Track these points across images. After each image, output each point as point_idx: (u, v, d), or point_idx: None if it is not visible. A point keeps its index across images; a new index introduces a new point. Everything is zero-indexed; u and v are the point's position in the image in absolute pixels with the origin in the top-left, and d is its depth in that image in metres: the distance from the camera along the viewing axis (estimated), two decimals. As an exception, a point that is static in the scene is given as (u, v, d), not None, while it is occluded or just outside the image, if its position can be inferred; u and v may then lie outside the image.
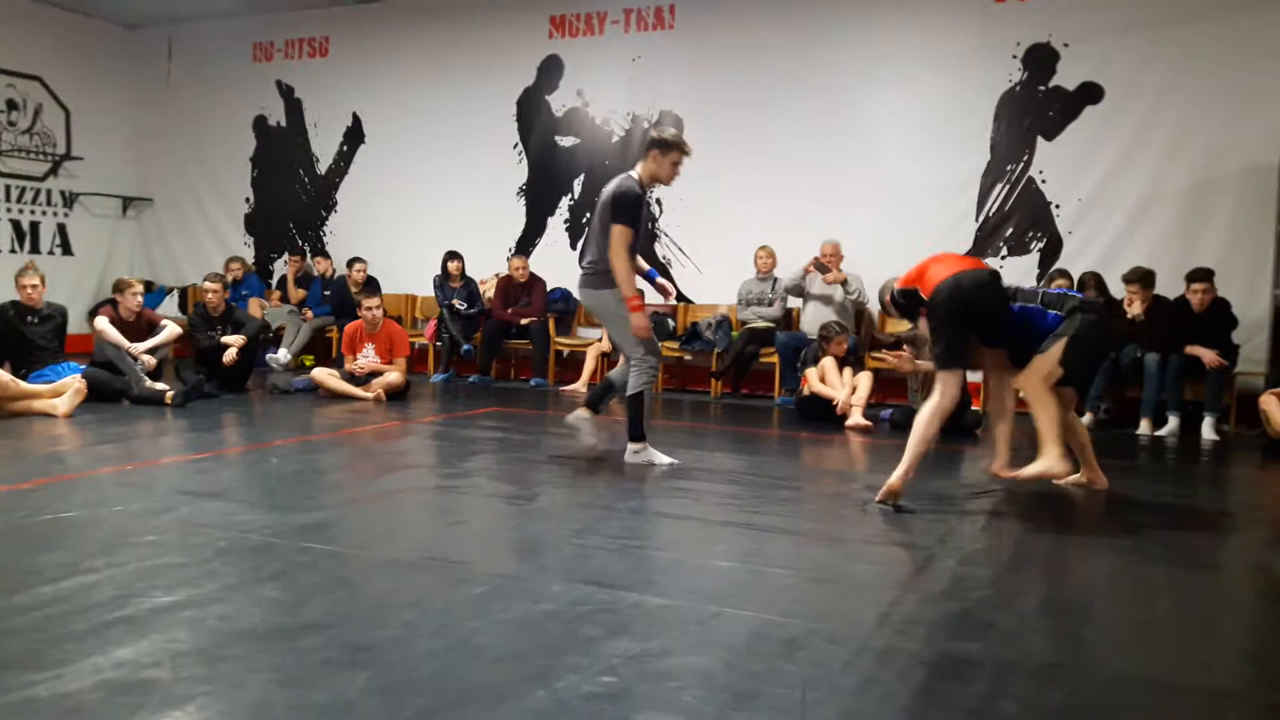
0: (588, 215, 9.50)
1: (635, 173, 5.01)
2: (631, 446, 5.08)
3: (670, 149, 4.94)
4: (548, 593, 2.79)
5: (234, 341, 7.49)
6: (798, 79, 8.62)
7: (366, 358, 7.55)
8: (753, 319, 8.29)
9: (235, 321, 7.71)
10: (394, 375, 7.41)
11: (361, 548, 3.37)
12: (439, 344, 9.08)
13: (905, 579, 3.08)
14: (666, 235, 9.13)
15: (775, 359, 8.06)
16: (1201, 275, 6.72)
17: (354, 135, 10.54)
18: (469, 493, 4.38)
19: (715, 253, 8.92)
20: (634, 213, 4.87)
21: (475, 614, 2.63)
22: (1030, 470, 4.25)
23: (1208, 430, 6.53)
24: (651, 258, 9.07)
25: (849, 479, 5.13)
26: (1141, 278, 6.81)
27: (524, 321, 8.83)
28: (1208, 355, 6.53)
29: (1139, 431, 6.67)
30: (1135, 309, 6.78)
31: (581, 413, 5.29)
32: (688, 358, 8.60)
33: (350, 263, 9.55)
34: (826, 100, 8.54)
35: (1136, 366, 6.74)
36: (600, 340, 8.60)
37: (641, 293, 4.99)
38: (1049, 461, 4.19)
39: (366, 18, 10.38)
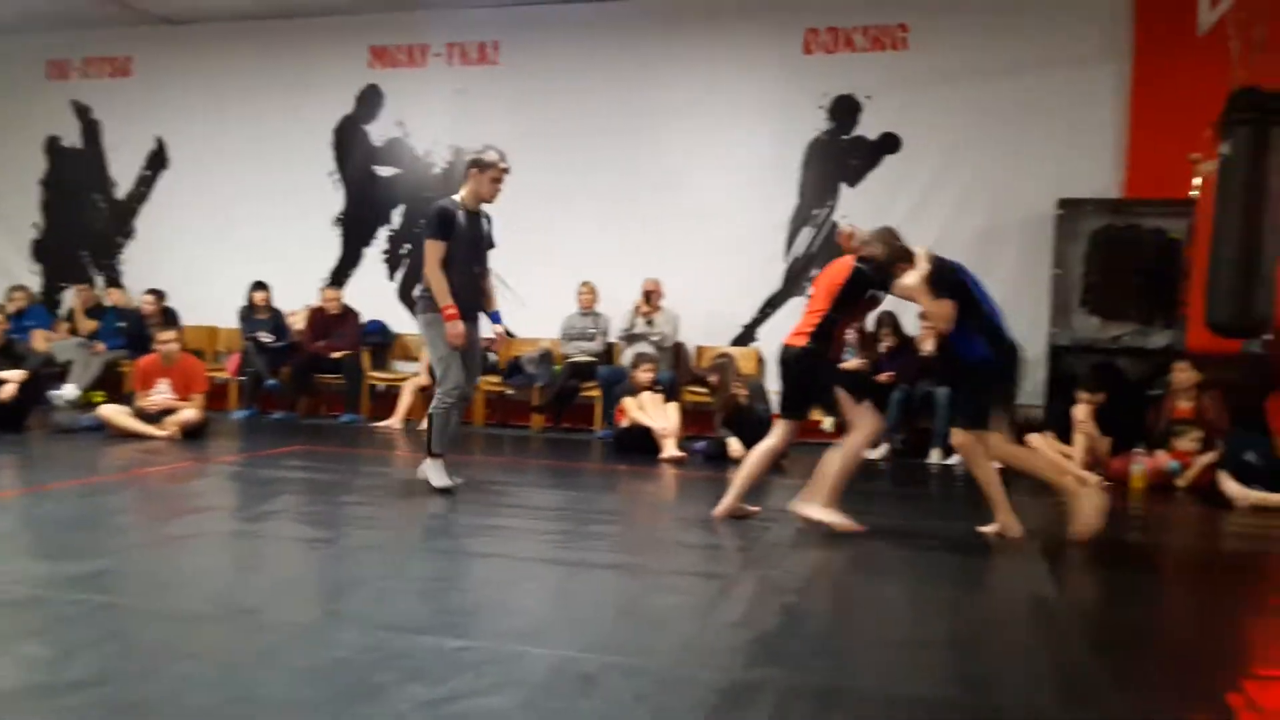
0: (409, 246, 9.37)
1: (458, 195, 5.13)
2: (426, 461, 5.16)
3: (487, 167, 5.07)
4: (341, 640, 2.69)
5: (11, 377, 6.93)
6: (619, 120, 8.80)
7: (161, 393, 7.11)
8: (575, 353, 8.35)
9: (15, 355, 7.17)
10: (190, 412, 7.01)
11: (142, 598, 3.16)
12: (243, 379, 8.67)
13: (704, 609, 3.15)
14: (489, 268, 9.08)
15: (597, 393, 8.12)
16: None
17: (157, 160, 10.00)
18: (266, 537, 4.19)
19: (539, 287, 8.93)
20: (443, 228, 4.98)
21: (261, 665, 2.51)
22: (989, 529, 4.47)
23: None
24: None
25: (662, 511, 5.22)
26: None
27: (336, 355, 8.56)
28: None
29: (930, 460, 7.10)
30: (928, 346, 7.23)
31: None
32: (510, 392, 8.55)
33: (146, 294, 9.02)
34: (646, 141, 8.75)
35: (928, 400, 7.17)
36: (418, 375, 8.44)
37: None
38: (1003, 528, 4.43)
39: (172, 38, 9.91)
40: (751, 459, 4.65)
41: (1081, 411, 6.59)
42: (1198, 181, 6.92)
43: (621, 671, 2.52)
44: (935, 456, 7.12)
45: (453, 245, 5.02)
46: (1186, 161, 6.70)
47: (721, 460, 6.69)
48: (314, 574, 3.65)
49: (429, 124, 9.33)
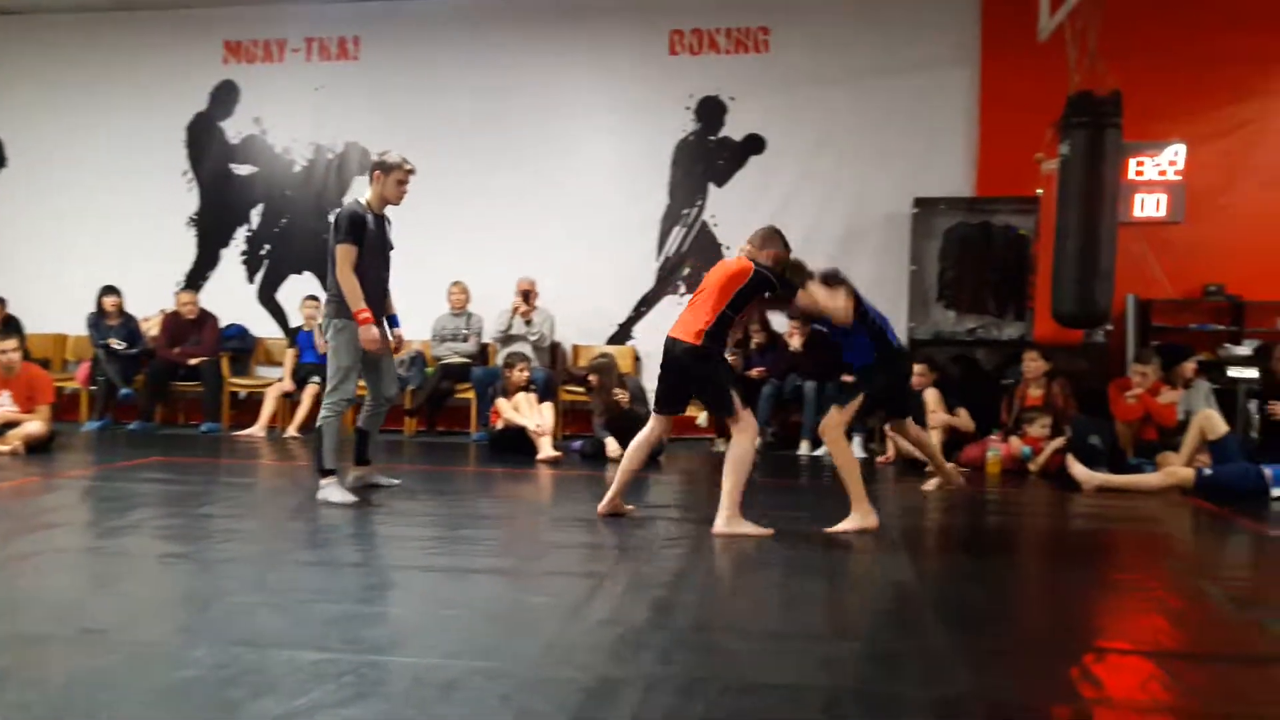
0: (268, 247, 9.07)
1: (363, 198, 5.13)
2: (321, 482, 5.03)
3: (392, 169, 5.12)
4: (191, 658, 2.59)
5: None
6: (484, 119, 8.73)
7: (3, 405, 6.70)
8: (448, 354, 8.24)
9: None
10: (35, 425, 6.61)
11: (-26, 623, 2.97)
12: (94, 388, 8.24)
13: (572, 609, 3.15)
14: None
15: (471, 394, 8.03)
16: None
17: (-8, 158, 9.41)
18: (119, 553, 3.99)
19: (408, 287, 8.72)
20: (353, 231, 4.97)
21: (106, 687, 2.39)
22: (844, 526, 4.49)
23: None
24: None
25: (538, 512, 5.20)
26: (796, 315, 7.47)
27: (193, 362, 8.22)
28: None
29: (800, 452, 7.29)
30: (795, 342, 7.42)
31: (357, 472, 5.32)
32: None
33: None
34: (513, 140, 8.70)
35: (797, 394, 7.36)
36: (281, 380, 8.19)
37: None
38: (859, 518, 4.49)
39: (6, 28, 9.32)
40: (629, 454, 4.68)
41: (931, 398, 6.86)
42: (1042, 180, 7.31)
43: (485, 675, 2.50)
44: (804, 448, 7.31)
45: (363, 250, 4.99)
46: (1033, 161, 7.06)
47: (599, 459, 6.72)
48: (168, 591, 3.49)
49: (288, 121, 9.06)
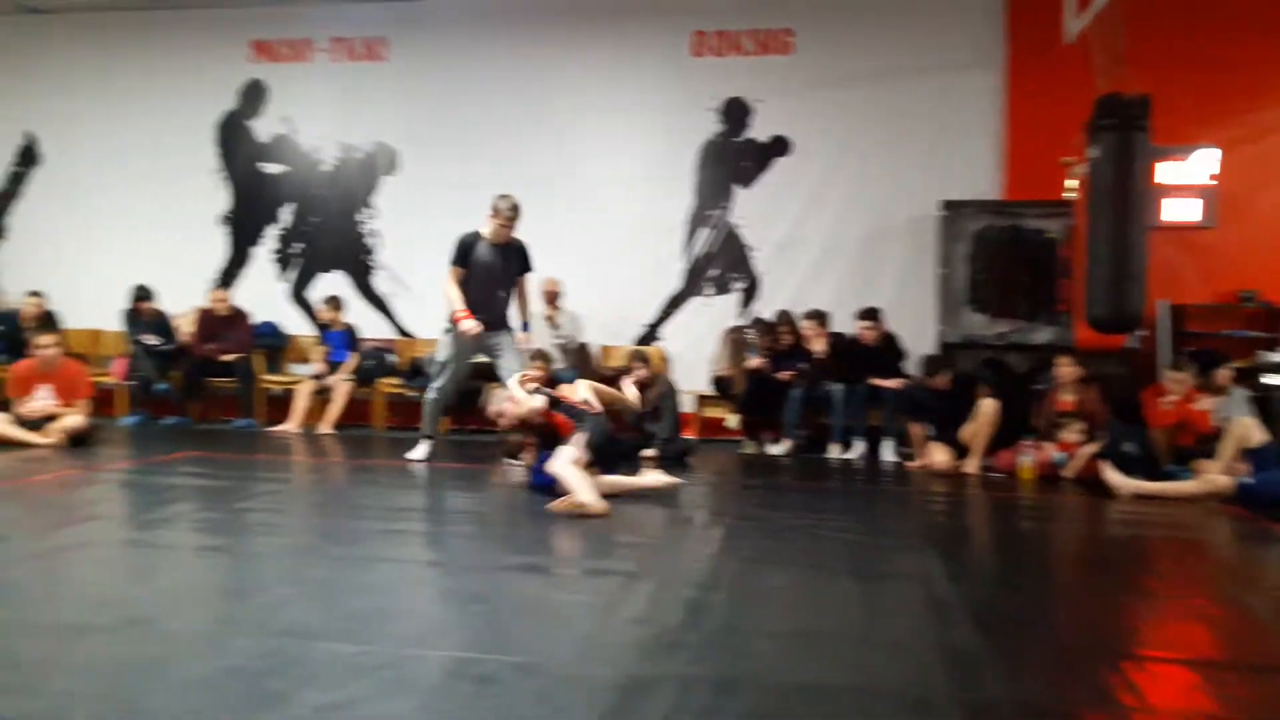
0: (299, 245, 9.18)
1: (484, 229, 6.28)
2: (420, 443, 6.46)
3: (493, 214, 6.25)
4: (233, 648, 2.64)
5: (-126, 385, 6.55)
6: (511, 120, 8.77)
7: (43, 400, 6.81)
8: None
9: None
10: (75, 418, 6.72)
11: (26, 610, 3.03)
12: (131, 383, 8.36)
13: (604, 606, 3.18)
14: (386, 268, 8.99)
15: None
16: (866, 314, 7.49)
17: (27, 157, 9.56)
18: (158, 545, 4.06)
19: (437, 286, 8.83)
20: (457, 255, 6.25)
21: (150, 675, 2.45)
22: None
23: (888, 453, 7.22)
24: (370, 291, 9.00)
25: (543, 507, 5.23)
26: (816, 317, 7.51)
27: (226, 358, 8.32)
28: (892, 383, 7.25)
29: (829, 455, 7.28)
30: (817, 346, 7.42)
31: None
32: (412, 394, 8.41)
33: (28, 295, 8.62)
34: (543, 141, 8.73)
35: (825, 396, 7.35)
36: (312, 378, 8.29)
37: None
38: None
39: (35, 29, 9.48)
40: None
41: (989, 406, 6.77)
42: (1072, 183, 7.26)
43: (519, 671, 2.53)
44: (834, 451, 7.30)
45: (470, 269, 6.21)
46: (1060, 164, 7.01)
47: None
48: (207, 581, 3.56)
49: (316, 120, 9.15)
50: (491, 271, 6.28)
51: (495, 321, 6.34)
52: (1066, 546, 4.95)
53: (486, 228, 6.29)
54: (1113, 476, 5.95)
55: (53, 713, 2.19)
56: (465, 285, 6.22)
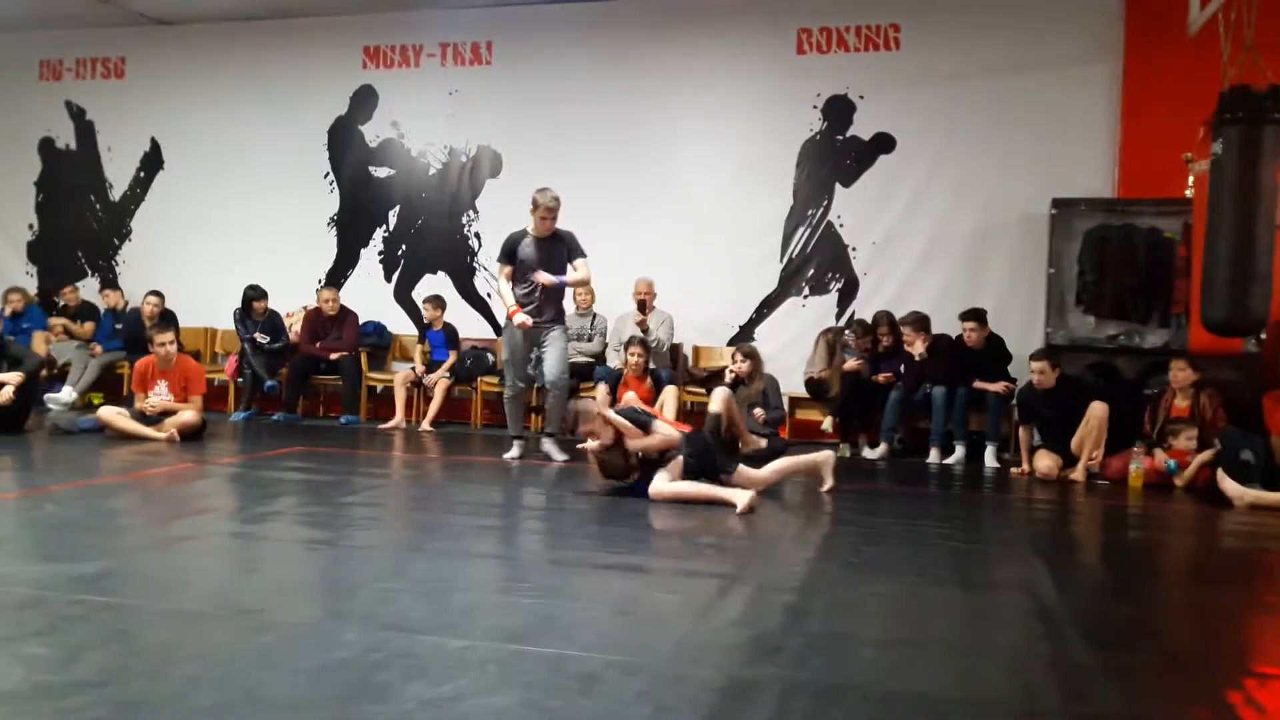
0: (404, 247, 9.40)
1: (530, 226, 6.42)
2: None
3: (533, 207, 6.34)
4: (342, 640, 2.71)
5: (10, 379, 6.92)
6: (613, 120, 8.83)
7: (159, 395, 7.12)
8: (573, 354, 8.34)
9: (12, 357, 7.15)
10: (189, 414, 7.02)
11: (144, 598, 3.16)
12: (240, 380, 8.68)
13: (703, 608, 3.17)
14: (486, 269, 9.14)
15: (595, 393, 8.12)
16: (971, 315, 7.30)
17: (152, 161, 10.03)
18: (267, 538, 4.20)
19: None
20: (502, 254, 6.50)
21: (264, 664, 2.52)
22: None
23: (990, 458, 7.03)
24: (471, 292, 9.14)
25: (658, 510, 5.23)
26: (914, 321, 7.37)
27: (333, 356, 8.58)
28: (996, 386, 7.06)
29: (929, 460, 7.12)
30: (917, 348, 7.27)
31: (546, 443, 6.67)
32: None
33: (149, 295, 9.03)
34: (639, 143, 8.77)
35: (925, 399, 7.20)
36: (409, 371, 8.52)
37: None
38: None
39: (165, 39, 9.93)
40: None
41: (1099, 409, 6.54)
42: (1191, 181, 6.95)
43: (620, 669, 2.53)
44: (933, 456, 7.14)
45: (518, 266, 6.37)
46: (1180, 161, 6.72)
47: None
48: (315, 575, 3.66)
49: (423, 125, 9.36)
50: (538, 265, 6.37)
51: (548, 315, 6.47)
52: (1179, 557, 4.75)
53: (530, 223, 6.39)
54: (1229, 485, 5.69)
55: (178, 697, 2.27)
56: (514, 282, 6.41)
